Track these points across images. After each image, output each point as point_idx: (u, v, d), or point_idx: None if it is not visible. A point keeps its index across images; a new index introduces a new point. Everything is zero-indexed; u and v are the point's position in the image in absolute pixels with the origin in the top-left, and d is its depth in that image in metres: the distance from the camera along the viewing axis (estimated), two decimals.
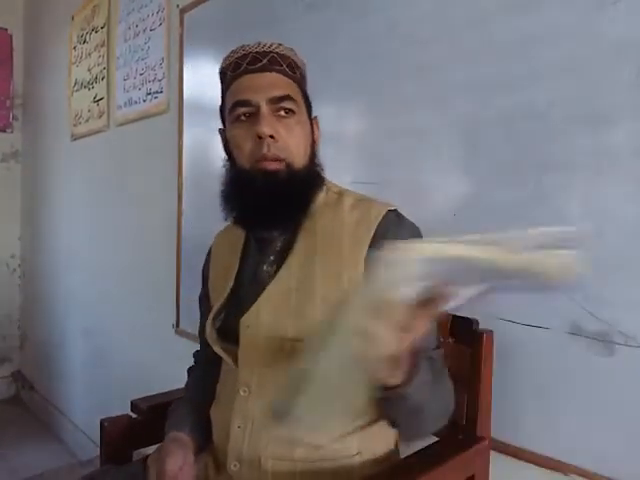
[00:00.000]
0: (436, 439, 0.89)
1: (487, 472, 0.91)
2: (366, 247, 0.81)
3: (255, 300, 0.85)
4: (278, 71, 0.86)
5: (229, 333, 0.89)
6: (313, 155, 0.89)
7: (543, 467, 0.96)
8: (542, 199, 0.96)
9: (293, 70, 0.88)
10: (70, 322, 2.78)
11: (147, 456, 0.96)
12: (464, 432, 0.90)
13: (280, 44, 0.89)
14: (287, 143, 0.84)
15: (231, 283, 0.93)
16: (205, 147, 1.81)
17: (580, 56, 0.91)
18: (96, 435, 1.03)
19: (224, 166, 0.91)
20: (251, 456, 0.83)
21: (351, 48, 1.30)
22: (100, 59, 2.46)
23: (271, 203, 0.84)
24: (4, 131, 3.26)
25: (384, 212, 0.84)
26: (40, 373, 3.13)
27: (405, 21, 1.18)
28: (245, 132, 0.85)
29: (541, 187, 0.96)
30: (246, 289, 0.90)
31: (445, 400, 0.81)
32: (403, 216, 0.87)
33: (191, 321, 1.86)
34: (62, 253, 2.88)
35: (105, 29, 2.41)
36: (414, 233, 0.86)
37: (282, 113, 0.84)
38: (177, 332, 1.92)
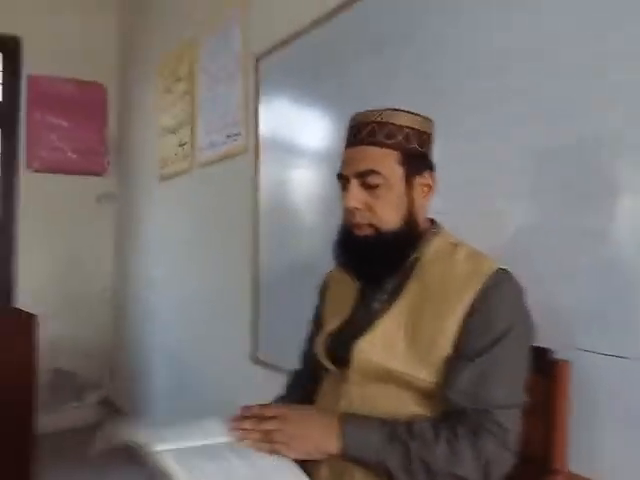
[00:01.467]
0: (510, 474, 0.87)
1: None
2: (470, 299, 0.86)
3: (367, 330, 0.93)
4: (371, 143, 0.92)
5: (339, 354, 0.97)
6: (411, 213, 0.94)
7: None
8: (614, 223, 0.94)
9: (391, 136, 0.92)
10: (155, 351, 2.94)
11: None
12: (539, 465, 0.88)
13: (388, 109, 0.94)
14: (374, 211, 0.92)
15: (347, 311, 1.01)
16: (280, 183, 1.90)
17: None
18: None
19: (343, 214, 0.99)
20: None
21: (418, 84, 1.34)
22: (184, 106, 2.66)
23: (362, 263, 0.96)
24: (100, 175, 3.55)
25: (495, 267, 0.88)
26: (128, 399, 3.31)
27: (469, 53, 1.21)
28: (343, 200, 0.95)
29: (613, 212, 0.94)
30: (358, 319, 0.98)
31: (441, 459, 0.80)
32: (511, 277, 0.89)
33: (270, 351, 1.92)
34: (148, 288, 3.07)
35: (188, 79, 2.62)
36: (511, 297, 0.88)
37: (369, 184, 0.92)
38: (255, 362, 1.99)
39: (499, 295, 0.86)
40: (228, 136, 2.25)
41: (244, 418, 0.86)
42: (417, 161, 0.95)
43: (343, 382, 0.94)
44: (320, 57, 1.70)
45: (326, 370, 1.01)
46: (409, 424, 0.82)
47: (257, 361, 1.98)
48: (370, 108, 0.95)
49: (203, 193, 2.51)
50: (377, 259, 0.94)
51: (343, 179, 0.96)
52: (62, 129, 3.40)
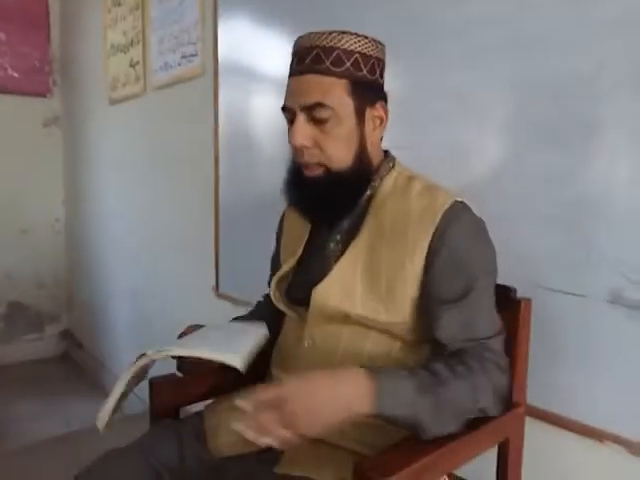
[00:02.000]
0: None
1: (522, 437, 0.92)
2: (428, 238, 0.83)
3: (322, 272, 0.90)
4: (317, 71, 0.84)
5: (296, 297, 0.96)
6: (363, 149, 0.88)
7: (579, 433, 0.97)
8: (588, 162, 0.93)
9: (339, 63, 0.84)
10: (114, 284, 2.89)
11: (200, 410, 1.03)
12: None
13: (334, 31, 0.85)
14: (324, 149, 0.86)
15: (300, 251, 0.98)
16: (241, 110, 1.80)
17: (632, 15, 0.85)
18: (140, 391, 1.08)
19: (290, 150, 0.92)
20: None
21: (388, 10, 1.26)
22: (135, 22, 2.45)
23: (315, 205, 0.91)
24: (44, 96, 3.32)
25: (450, 201, 0.84)
26: (87, 332, 3.29)
27: None
28: (289, 135, 0.88)
29: (587, 150, 0.93)
30: (313, 261, 0.95)
31: (466, 396, 0.77)
32: (468, 209, 0.86)
33: (232, 284, 1.90)
34: (103, 216, 2.96)
35: None
36: (471, 230, 0.85)
37: (317, 118, 0.85)
38: (217, 295, 1.98)
39: (459, 230, 0.83)
40: (183, 56, 2.10)
41: (255, 410, 0.71)
42: (368, 90, 0.87)
43: (303, 323, 0.93)
44: None
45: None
46: (429, 368, 0.77)
47: (219, 295, 1.97)
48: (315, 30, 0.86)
49: (158, 118, 2.37)
50: (329, 201, 0.89)
51: (288, 112, 0.88)
52: (1, 43, 3.11)
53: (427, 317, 0.84)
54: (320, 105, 0.84)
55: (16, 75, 3.19)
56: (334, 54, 0.83)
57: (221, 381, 1.08)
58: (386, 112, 0.90)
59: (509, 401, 0.85)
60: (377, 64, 0.88)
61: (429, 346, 0.87)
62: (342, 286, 0.88)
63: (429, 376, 0.75)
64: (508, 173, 1.04)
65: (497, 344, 0.83)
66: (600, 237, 0.92)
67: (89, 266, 3.19)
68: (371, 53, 0.87)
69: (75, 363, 3.36)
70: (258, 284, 1.78)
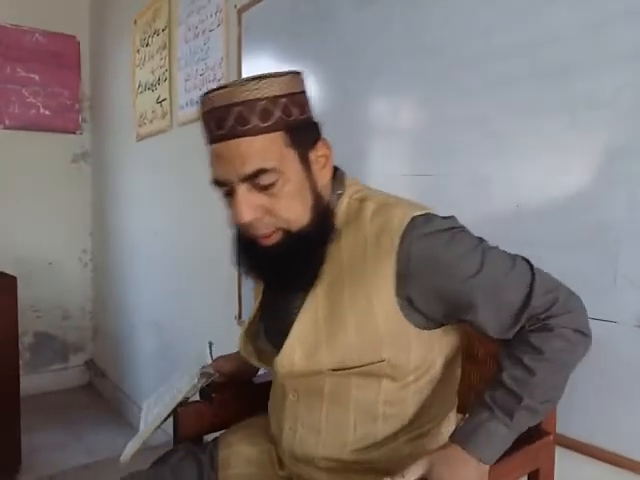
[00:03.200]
0: None
1: (552, 467, 0.90)
2: (392, 262, 0.74)
3: (286, 328, 0.83)
4: (247, 133, 0.72)
5: (265, 355, 0.93)
6: (317, 197, 0.78)
7: (609, 463, 0.94)
8: (610, 186, 0.93)
9: (268, 116, 0.73)
10: (139, 315, 2.92)
11: (216, 438, 1.04)
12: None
13: (248, 80, 0.73)
14: (276, 214, 0.75)
15: (257, 304, 0.96)
16: None
17: None
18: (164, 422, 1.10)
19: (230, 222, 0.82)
20: (304, 455, 0.86)
21: (406, 40, 1.30)
22: (162, 61, 2.56)
23: (278, 273, 0.81)
24: (74, 133, 3.44)
25: (408, 218, 0.75)
26: (111, 362, 3.31)
27: (461, 11, 1.17)
28: (232, 213, 0.78)
29: (609, 174, 0.93)
30: (278, 314, 0.88)
31: (550, 377, 0.75)
32: (431, 220, 0.76)
33: None
34: (128, 249, 3.02)
35: (166, 32, 2.50)
36: (442, 239, 0.75)
37: (261, 185, 0.74)
38: (239, 324, 1.99)
39: (429, 247, 0.74)
40: None
41: None
42: (304, 133, 0.77)
43: (281, 388, 0.89)
44: (307, 9, 1.63)
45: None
46: (503, 385, 0.74)
47: (242, 324, 1.98)
48: (223, 83, 0.78)
49: (183, 153, 2.44)
50: (297, 265, 0.79)
51: (222, 186, 0.76)
52: (34, 83, 3.26)
53: (465, 327, 0.81)
54: (262, 171, 0.73)
55: (47, 113, 3.32)
56: (259, 107, 0.72)
57: (244, 406, 1.11)
58: (329, 147, 0.81)
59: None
60: (303, 98, 0.79)
61: (420, 375, 0.82)
62: (304, 347, 0.81)
63: (507, 395, 0.74)
64: (530, 199, 1.05)
65: (542, 290, 0.75)
66: (625, 261, 0.91)
67: (114, 298, 3.24)
68: (295, 90, 0.77)
69: (98, 393, 3.39)
70: None
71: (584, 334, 0.77)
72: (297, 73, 0.79)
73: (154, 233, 2.73)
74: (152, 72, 2.66)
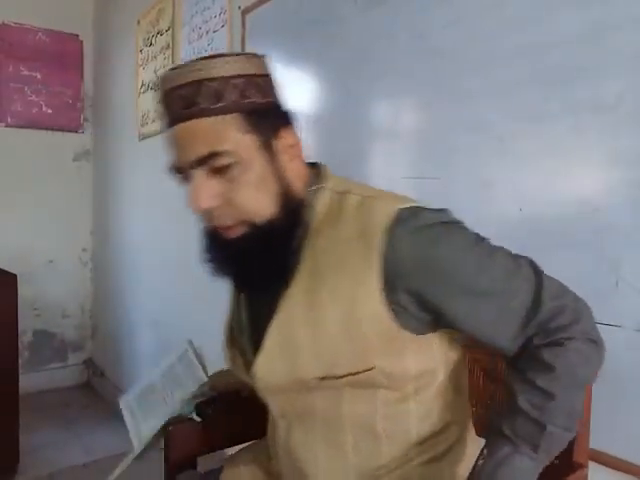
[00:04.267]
0: None
1: None
2: (377, 261, 0.67)
3: (260, 336, 0.75)
4: (196, 115, 0.67)
5: (246, 371, 0.81)
6: (285, 187, 0.72)
7: (612, 468, 0.94)
8: (611, 191, 0.94)
9: (219, 97, 0.67)
10: (138, 314, 2.92)
11: (221, 467, 0.97)
12: (559, 457, 0.74)
13: (201, 59, 0.69)
14: (236, 204, 0.69)
15: (228, 323, 0.90)
16: None
17: None
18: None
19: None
20: None
21: (410, 43, 1.30)
22: (165, 61, 2.56)
23: (244, 271, 0.74)
24: (76, 132, 3.44)
25: (393, 213, 0.68)
26: (109, 361, 3.31)
27: (465, 15, 1.17)
28: (188, 198, 0.72)
29: (611, 179, 0.94)
30: (251, 325, 0.82)
31: (567, 394, 0.68)
32: (417, 213, 0.69)
33: None
34: (128, 248, 3.02)
35: (170, 32, 2.51)
36: (432, 234, 0.68)
37: (217, 168, 0.68)
38: None
39: (416, 244, 0.67)
40: None
41: None
42: (265, 119, 0.70)
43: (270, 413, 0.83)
44: (312, 11, 1.63)
45: None
46: (521, 412, 0.67)
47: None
48: (188, 65, 0.70)
49: None
50: (264, 262, 0.72)
51: (177, 172, 0.73)
52: (36, 82, 3.26)
53: (471, 340, 0.74)
54: (215, 154, 0.67)
55: (50, 112, 3.32)
56: (208, 88, 0.67)
57: (239, 428, 1.04)
58: (295, 137, 0.74)
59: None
60: (267, 81, 0.73)
61: (422, 386, 0.75)
62: (282, 352, 0.73)
63: (528, 424, 0.67)
64: (533, 203, 1.05)
65: (549, 296, 0.68)
66: (628, 266, 0.92)
67: (113, 297, 3.24)
68: (254, 72, 0.71)
69: (97, 392, 3.38)
70: None
71: (596, 343, 0.70)
72: (258, 55, 0.74)
73: (154, 232, 2.73)
74: (155, 72, 2.66)
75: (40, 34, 3.24)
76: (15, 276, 2.22)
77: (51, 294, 3.36)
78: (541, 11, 1.03)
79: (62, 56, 3.34)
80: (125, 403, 1.15)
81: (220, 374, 1.04)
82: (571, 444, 0.76)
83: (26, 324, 3.17)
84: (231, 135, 0.68)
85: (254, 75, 0.71)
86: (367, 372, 0.70)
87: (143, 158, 2.85)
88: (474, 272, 0.68)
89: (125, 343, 3.08)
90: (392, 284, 0.67)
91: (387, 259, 0.67)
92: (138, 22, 2.83)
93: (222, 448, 1.03)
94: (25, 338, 3.24)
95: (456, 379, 0.80)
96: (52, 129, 3.33)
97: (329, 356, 0.70)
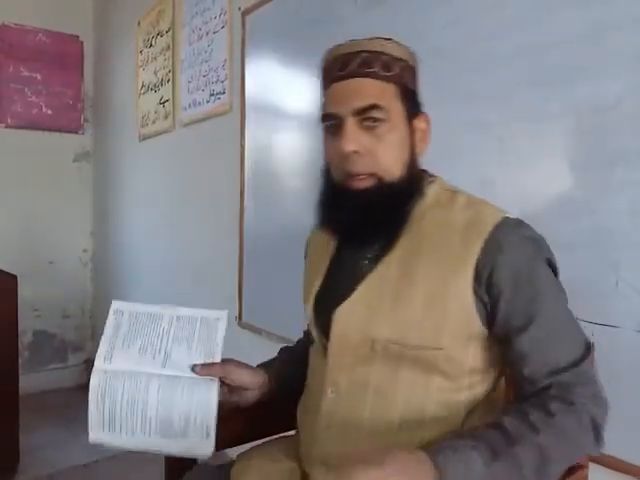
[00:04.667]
0: None
1: None
2: (476, 253, 0.74)
3: (350, 295, 0.81)
4: (367, 75, 0.79)
5: (321, 323, 0.86)
6: (413, 160, 0.82)
7: (614, 469, 0.94)
8: (612, 191, 0.94)
9: (388, 68, 0.80)
10: None
11: (233, 461, 0.95)
12: None
13: (375, 38, 0.81)
14: (375, 156, 0.78)
15: (318, 282, 0.89)
16: (266, 145, 1.86)
17: None
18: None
19: (321, 168, 0.86)
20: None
21: (410, 43, 1.30)
22: (165, 62, 2.56)
23: (362, 222, 0.80)
24: (76, 132, 3.44)
25: (501, 216, 0.76)
26: None
27: (465, 15, 1.17)
28: (332, 145, 0.81)
29: (611, 179, 0.94)
30: (342, 283, 0.85)
31: (548, 446, 0.67)
32: (524, 225, 0.77)
33: (254, 314, 1.92)
34: (129, 248, 3.03)
35: (170, 33, 2.51)
36: (529, 246, 0.76)
37: (370, 123, 0.78)
38: (240, 325, 1.99)
39: (514, 246, 0.74)
40: (212, 95, 2.18)
41: None
42: (413, 100, 0.82)
43: (327, 361, 0.83)
44: (311, 12, 1.63)
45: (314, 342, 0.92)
46: (500, 427, 0.67)
47: (242, 325, 1.99)
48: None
49: (185, 153, 2.45)
50: (379, 217, 0.79)
51: (333, 120, 0.80)
52: (36, 83, 3.26)
53: (500, 348, 0.77)
54: (375, 107, 0.77)
55: (50, 112, 3.33)
56: (382, 59, 0.79)
57: (246, 426, 0.99)
58: (429, 123, 0.85)
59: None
60: (415, 74, 0.85)
61: (474, 383, 0.78)
62: (367, 306, 0.79)
63: (501, 437, 0.66)
64: (533, 204, 1.05)
65: (586, 370, 0.72)
66: (627, 266, 0.92)
67: (114, 297, 3.23)
68: (412, 64, 0.84)
69: None
70: (280, 314, 1.80)
71: (598, 432, 0.71)
72: (412, 51, 0.86)
73: (154, 233, 2.74)
74: (155, 73, 2.67)
75: (40, 35, 3.24)
76: (15, 277, 2.22)
77: (51, 295, 3.36)
78: (541, 11, 1.03)
79: (62, 57, 3.34)
80: (118, 306, 0.93)
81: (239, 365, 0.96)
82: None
83: (26, 324, 3.16)
84: (390, 99, 0.79)
85: (413, 67, 0.84)
86: (434, 351, 0.75)
87: (143, 158, 2.86)
88: (553, 299, 0.75)
89: None
90: (481, 276, 0.74)
91: (488, 251, 0.74)
92: (138, 23, 2.83)
93: (228, 447, 1.00)
94: (25, 338, 3.24)
95: (498, 394, 0.82)
96: (52, 130, 3.34)
97: (405, 324, 0.76)
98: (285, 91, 1.76)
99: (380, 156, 0.78)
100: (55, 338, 3.42)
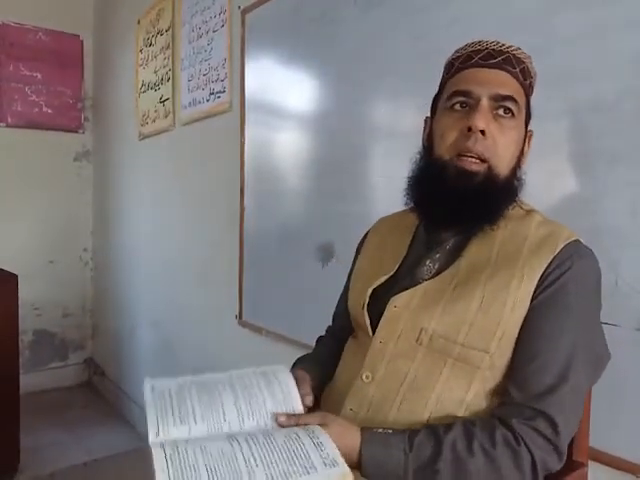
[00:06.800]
0: None
1: None
2: (543, 265, 0.76)
3: (413, 287, 0.83)
4: (510, 72, 0.82)
5: (373, 310, 0.86)
6: (517, 167, 0.84)
7: (610, 466, 0.95)
8: (612, 190, 0.94)
9: (525, 76, 0.84)
10: (139, 313, 2.93)
11: None
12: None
13: (519, 48, 0.84)
14: (496, 143, 0.80)
15: (396, 266, 0.89)
16: (266, 144, 1.86)
17: None
18: None
19: (418, 154, 0.89)
20: None
21: (410, 43, 1.30)
22: (165, 61, 2.56)
23: (457, 204, 0.81)
24: (76, 132, 3.44)
25: (575, 238, 0.79)
26: (110, 360, 3.32)
27: (466, 15, 1.17)
28: (455, 122, 0.82)
29: (611, 178, 0.94)
30: (402, 276, 0.87)
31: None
32: (592, 255, 0.80)
33: (255, 313, 1.93)
34: (129, 247, 3.03)
35: (170, 32, 2.51)
36: (590, 277, 0.78)
37: (501, 112, 0.80)
38: (240, 323, 2.00)
39: (577, 270, 0.76)
40: (212, 93, 2.18)
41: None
42: (529, 114, 0.86)
43: (364, 353, 0.84)
44: (311, 12, 1.63)
45: (354, 331, 0.93)
46: (435, 433, 0.71)
47: (242, 323, 1.99)
48: (463, 44, 0.88)
49: (185, 152, 2.45)
50: (475, 205, 0.80)
51: (467, 97, 0.81)
52: (36, 82, 3.26)
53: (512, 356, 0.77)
54: (512, 99, 0.80)
55: (50, 111, 3.33)
56: (523, 67, 0.83)
57: None
58: (531, 142, 0.87)
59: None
60: (533, 88, 0.87)
61: (504, 390, 0.77)
62: (424, 298, 0.81)
63: (430, 440, 0.70)
64: (532, 203, 1.05)
65: (563, 399, 0.72)
66: (627, 265, 0.92)
67: (114, 296, 3.25)
68: (534, 82, 0.87)
69: (98, 391, 3.39)
70: (281, 313, 1.79)
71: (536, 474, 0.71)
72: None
73: (155, 232, 2.74)
74: (155, 72, 2.67)
75: (40, 34, 3.24)
76: (16, 276, 2.22)
77: (52, 294, 3.36)
78: (541, 11, 1.03)
79: (62, 56, 3.34)
80: (153, 383, 0.82)
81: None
82: (571, 443, 0.76)
83: (27, 324, 3.17)
84: (522, 99, 0.83)
85: (534, 83, 0.87)
86: (481, 353, 0.76)
87: (143, 157, 2.86)
88: (571, 339, 0.75)
89: (125, 342, 3.08)
90: (542, 286, 0.76)
91: (552, 265, 0.76)
92: (138, 22, 2.83)
93: None
94: (26, 338, 3.24)
95: None
96: (52, 129, 3.34)
97: (456, 319, 0.77)
98: (285, 90, 1.76)
99: (500, 146, 0.80)
100: (56, 337, 3.43)
